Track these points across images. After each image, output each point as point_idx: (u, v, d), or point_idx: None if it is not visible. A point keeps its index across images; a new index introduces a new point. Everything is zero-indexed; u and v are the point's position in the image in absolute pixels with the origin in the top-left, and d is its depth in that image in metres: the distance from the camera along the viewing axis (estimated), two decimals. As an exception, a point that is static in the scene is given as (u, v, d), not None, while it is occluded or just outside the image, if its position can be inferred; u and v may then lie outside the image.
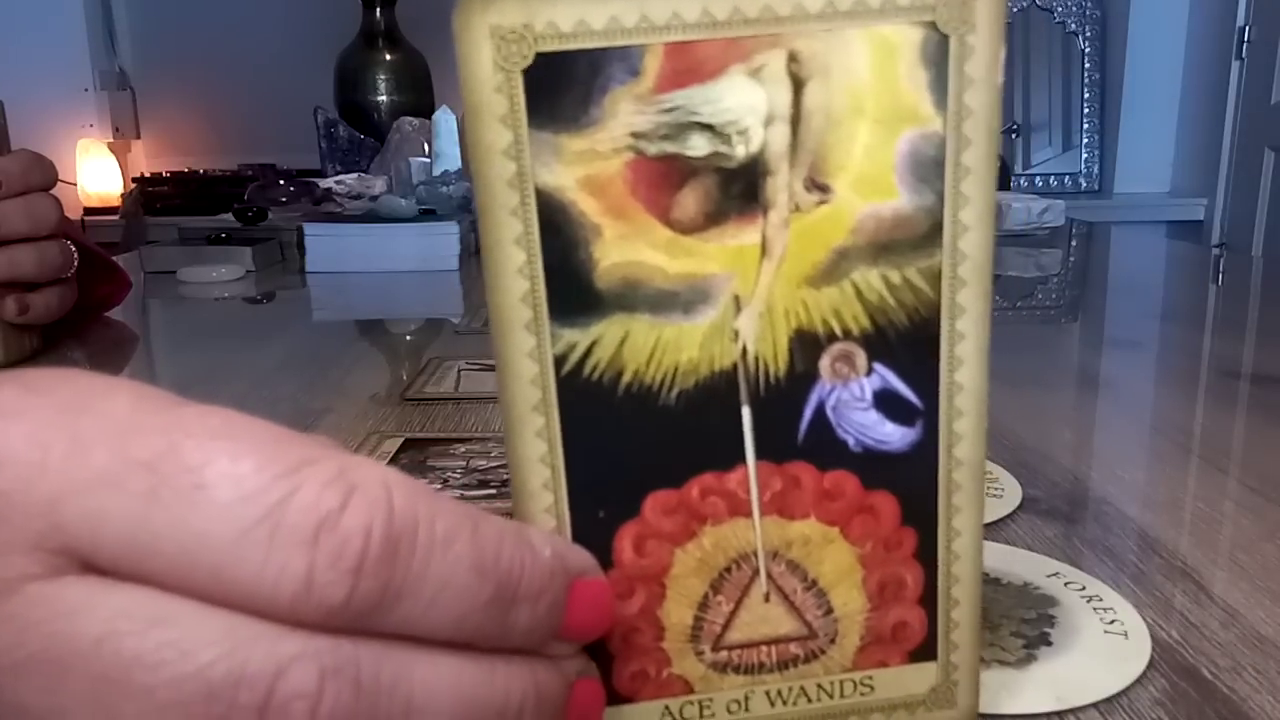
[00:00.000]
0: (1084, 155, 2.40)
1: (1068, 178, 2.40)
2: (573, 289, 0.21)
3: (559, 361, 0.21)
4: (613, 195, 0.20)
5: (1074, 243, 1.36)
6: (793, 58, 0.20)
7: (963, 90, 0.21)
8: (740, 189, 0.21)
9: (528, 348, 0.21)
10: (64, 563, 0.16)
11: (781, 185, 0.21)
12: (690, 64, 0.20)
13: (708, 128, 0.20)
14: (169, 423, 0.17)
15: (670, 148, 0.20)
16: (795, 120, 0.21)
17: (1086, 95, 2.38)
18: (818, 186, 0.21)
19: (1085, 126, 2.39)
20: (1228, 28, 2.16)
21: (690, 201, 0.21)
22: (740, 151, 0.21)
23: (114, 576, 0.17)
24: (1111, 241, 1.44)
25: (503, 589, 0.18)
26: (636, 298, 0.21)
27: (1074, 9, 2.36)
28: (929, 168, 0.21)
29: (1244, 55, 2.14)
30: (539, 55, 0.19)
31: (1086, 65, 2.37)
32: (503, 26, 0.19)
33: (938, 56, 0.21)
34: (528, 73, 0.19)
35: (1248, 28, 2.12)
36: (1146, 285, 1.10)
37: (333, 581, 0.16)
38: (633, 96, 0.20)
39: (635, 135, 0.20)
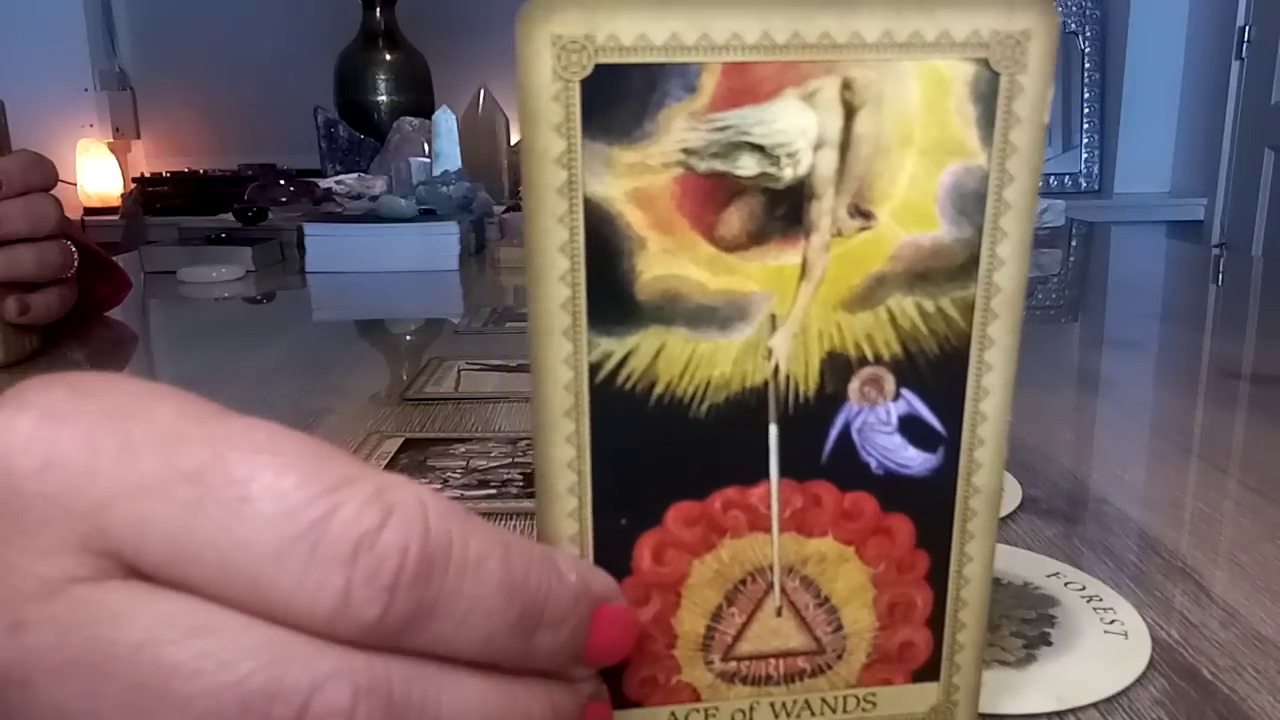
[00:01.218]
0: (1084, 155, 2.39)
1: (1068, 178, 2.40)
2: (613, 299, 0.21)
3: (594, 369, 0.21)
4: (660, 209, 0.20)
5: (1074, 243, 1.36)
6: (846, 85, 0.20)
7: (1009, 128, 0.21)
8: (785, 210, 0.21)
9: (564, 353, 0.21)
10: (109, 566, 0.17)
11: (825, 209, 0.21)
12: (746, 85, 0.20)
13: (758, 148, 0.21)
14: (214, 435, 0.17)
15: (720, 166, 0.21)
16: (844, 146, 0.21)
17: (1086, 95, 2.38)
18: (861, 213, 0.21)
19: (1085, 126, 2.39)
20: (1228, 28, 2.16)
21: (735, 220, 0.21)
22: (788, 174, 0.21)
23: (156, 583, 0.17)
24: (1111, 241, 1.44)
25: (529, 612, 0.19)
26: (675, 311, 0.21)
27: (1074, 9, 2.36)
28: (970, 201, 0.22)
29: (1244, 55, 2.14)
30: (598, 66, 0.19)
31: (1086, 65, 2.37)
32: (564, 36, 0.19)
33: (987, 93, 0.21)
34: (586, 83, 0.19)
35: (1248, 28, 2.12)
36: (1146, 285, 1.10)
37: (369, 599, 0.17)
38: (687, 113, 0.20)
39: (686, 151, 0.20)
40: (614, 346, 0.21)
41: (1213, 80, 2.22)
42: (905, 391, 0.23)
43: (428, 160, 1.49)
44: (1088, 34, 2.37)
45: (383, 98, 2.10)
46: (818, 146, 0.21)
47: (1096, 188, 2.40)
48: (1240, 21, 2.13)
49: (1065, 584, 0.34)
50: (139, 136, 2.52)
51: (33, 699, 0.16)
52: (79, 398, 0.18)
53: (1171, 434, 0.52)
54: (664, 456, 0.22)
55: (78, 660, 0.16)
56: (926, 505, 0.23)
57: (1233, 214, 2.21)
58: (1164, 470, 0.47)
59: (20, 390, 0.18)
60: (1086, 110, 2.39)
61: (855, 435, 0.23)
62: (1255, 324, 0.84)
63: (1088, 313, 0.93)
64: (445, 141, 1.51)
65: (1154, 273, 1.20)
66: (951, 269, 0.22)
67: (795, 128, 0.21)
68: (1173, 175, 2.40)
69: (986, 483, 0.23)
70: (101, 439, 0.17)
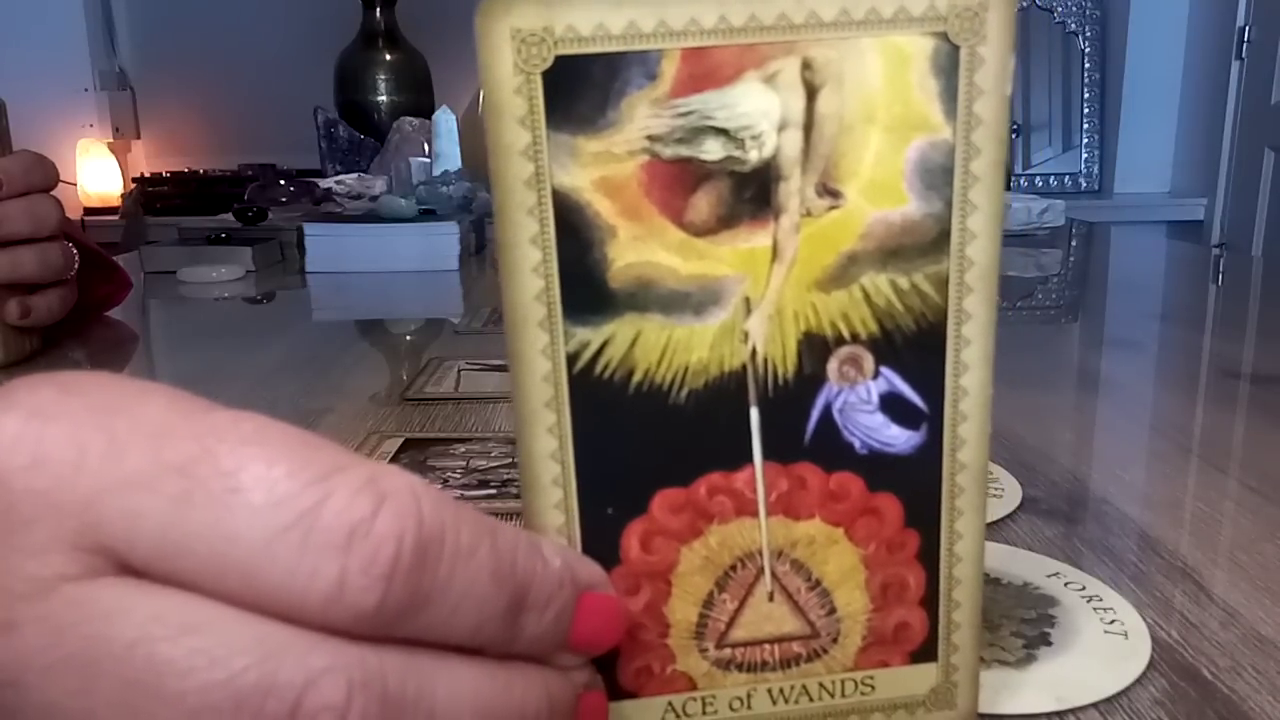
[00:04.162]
0: (1084, 155, 2.39)
1: (1068, 178, 2.40)
2: (587, 288, 0.21)
3: (571, 359, 0.21)
4: (628, 197, 0.21)
5: (1074, 243, 1.36)
6: (806, 65, 0.21)
7: (972, 100, 0.21)
8: (753, 193, 0.21)
9: (541, 345, 0.21)
10: (100, 563, 0.17)
11: (793, 190, 0.21)
12: (706, 69, 0.20)
13: (722, 132, 0.21)
14: (202, 428, 0.17)
15: (685, 151, 0.21)
16: (808, 126, 0.21)
17: (1086, 95, 2.38)
18: (829, 192, 0.21)
19: (1085, 126, 2.39)
20: (1228, 28, 2.16)
21: (704, 204, 0.21)
22: (753, 156, 0.21)
23: (147, 578, 0.17)
24: (1111, 241, 1.44)
25: (515, 596, 0.19)
26: (649, 298, 0.21)
27: (1074, 9, 2.36)
28: (938, 175, 0.22)
29: (1244, 55, 2.14)
30: (558, 58, 0.20)
31: (1086, 65, 2.37)
32: (523, 29, 0.19)
33: (949, 66, 0.21)
34: (547, 75, 0.20)
35: (1248, 28, 2.12)
36: (1146, 285, 1.10)
37: (365, 587, 0.17)
38: (649, 100, 0.20)
39: (651, 138, 0.20)
40: (590, 336, 0.21)
41: (1213, 80, 2.22)
42: (884, 369, 0.23)
43: (428, 160, 1.49)
44: (1088, 34, 2.37)
45: (383, 98, 2.10)
46: (781, 127, 0.21)
47: (1096, 188, 2.40)
48: (1240, 21, 2.13)
49: (1065, 584, 0.34)
50: (139, 136, 2.52)
51: (25, 699, 0.16)
52: (66, 396, 0.18)
53: (1171, 434, 0.52)
54: (646, 444, 0.22)
55: (70, 659, 0.16)
56: (913, 483, 0.23)
57: (1233, 214, 2.20)
58: (1164, 470, 0.47)
59: (7, 390, 0.18)
60: (1086, 110, 2.39)
61: (837, 415, 0.23)
62: (1255, 324, 0.84)
63: (1088, 313, 0.93)
64: (445, 141, 1.51)
65: (1154, 273, 1.20)
66: (923, 244, 0.22)
67: (758, 110, 0.21)
68: (1173, 175, 2.40)
69: (972, 458, 0.23)
70: (89, 435, 0.17)
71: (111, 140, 2.38)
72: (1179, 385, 0.64)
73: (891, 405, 0.23)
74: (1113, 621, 0.31)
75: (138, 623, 0.16)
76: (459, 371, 0.64)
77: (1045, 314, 0.88)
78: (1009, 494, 0.42)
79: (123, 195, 2.23)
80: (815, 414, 0.23)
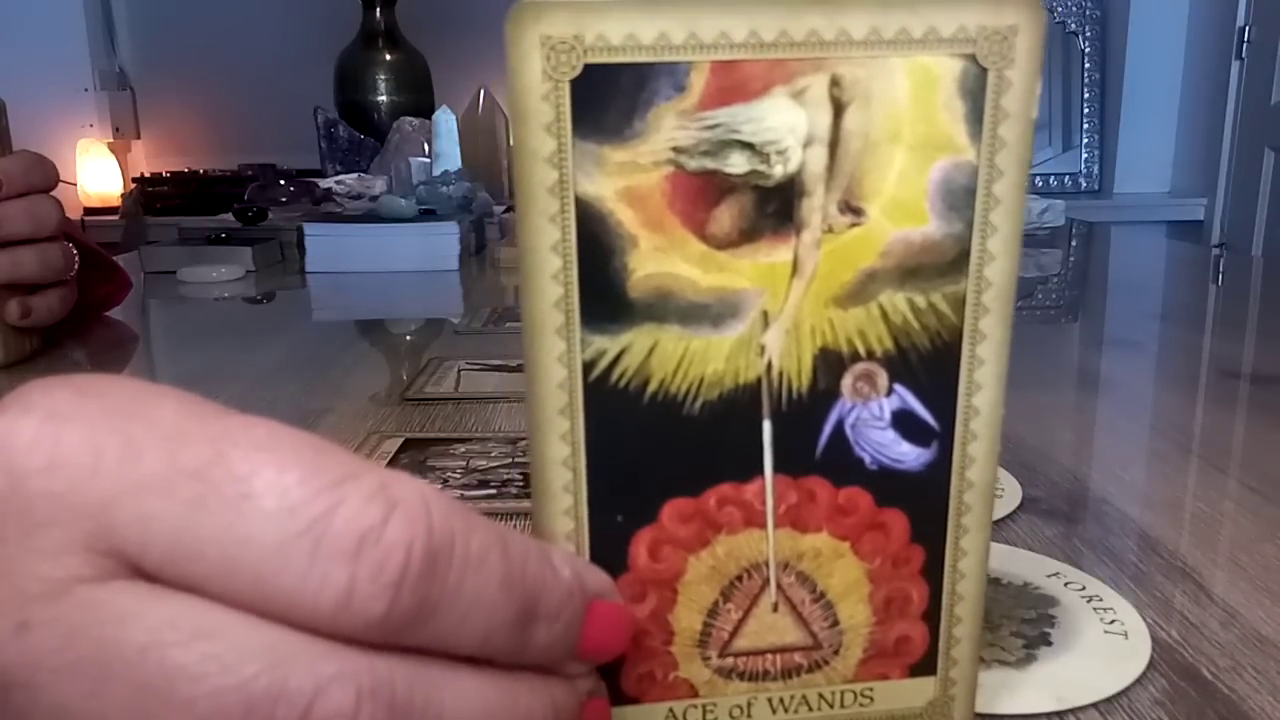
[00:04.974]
0: (1084, 155, 2.39)
1: (1068, 178, 2.40)
2: (606, 297, 0.21)
3: (588, 367, 0.21)
4: (651, 207, 0.21)
5: (1074, 243, 1.36)
6: (835, 82, 0.21)
7: (998, 123, 0.21)
8: (775, 207, 0.21)
9: (558, 352, 0.21)
10: (114, 565, 0.17)
11: (816, 206, 0.21)
12: (735, 83, 0.20)
13: (748, 146, 0.21)
14: (216, 433, 0.18)
15: (710, 164, 0.21)
16: (833, 143, 0.21)
17: (1086, 95, 2.38)
18: (851, 209, 0.21)
19: (1085, 126, 2.39)
20: (1228, 28, 2.16)
21: (726, 217, 0.21)
22: (778, 171, 0.21)
23: (160, 581, 0.17)
24: (1111, 241, 1.44)
25: (525, 606, 0.19)
26: (667, 308, 0.21)
27: (1074, 9, 2.36)
28: (960, 196, 0.22)
29: (1244, 55, 2.14)
30: (587, 66, 0.20)
31: (1086, 65, 2.37)
32: (553, 37, 0.19)
33: (976, 88, 0.21)
34: (575, 83, 0.20)
35: (1248, 28, 2.12)
36: (1146, 285, 1.10)
37: (374, 595, 0.17)
38: (676, 112, 0.20)
39: (676, 150, 0.20)
40: (607, 344, 0.21)
41: (1213, 80, 2.22)
42: (898, 387, 0.23)
43: (428, 160, 1.49)
44: (1088, 34, 2.37)
45: (383, 98, 2.10)
46: (807, 143, 0.21)
47: (1096, 188, 2.40)
48: (1240, 21, 2.13)
49: (1065, 584, 0.34)
50: (139, 136, 2.52)
51: (36, 701, 0.16)
52: (82, 398, 0.18)
53: (1171, 434, 0.52)
54: (658, 454, 0.22)
55: (82, 662, 0.16)
56: (921, 500, 0.23)
57: (1233, 214, 2.20)
58: (1164, 470, 0.47)
59: (24, 391, 0.18)
60: (1086, 110, 2.39)
61: (849, 431, 0.23)
62: (1255, 324, 0.84)
63: (1088, 313, 0.93)
64: (445, 141, 1.51)
65: (1154, 273, 1.20)
66: (942, 264, 0.22)
67: (784, 125, 0.21)
68: (1173, 175, 2.40)
69: (980, 477, 0.23)
70: (105, 438, 0.17)
71: (111, 140, 2.38)
72: (1179, 385, 0.64)
73: (903, 422, 0.23)
74: (1113, 621, 0.31)
75: (150, 627, 0.16)
76: (459, 371, 0.64)
77: (1045, 314, 0.88)
78: (1009, 494, 0.42)
79: (123, 195, 2.23)
80: (827, 429, 0.23)
